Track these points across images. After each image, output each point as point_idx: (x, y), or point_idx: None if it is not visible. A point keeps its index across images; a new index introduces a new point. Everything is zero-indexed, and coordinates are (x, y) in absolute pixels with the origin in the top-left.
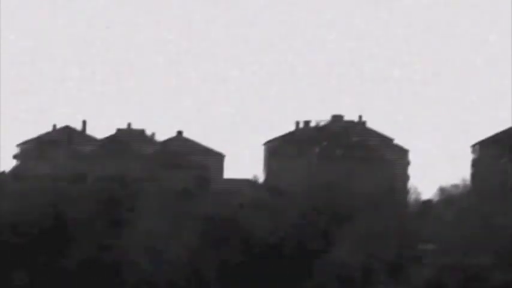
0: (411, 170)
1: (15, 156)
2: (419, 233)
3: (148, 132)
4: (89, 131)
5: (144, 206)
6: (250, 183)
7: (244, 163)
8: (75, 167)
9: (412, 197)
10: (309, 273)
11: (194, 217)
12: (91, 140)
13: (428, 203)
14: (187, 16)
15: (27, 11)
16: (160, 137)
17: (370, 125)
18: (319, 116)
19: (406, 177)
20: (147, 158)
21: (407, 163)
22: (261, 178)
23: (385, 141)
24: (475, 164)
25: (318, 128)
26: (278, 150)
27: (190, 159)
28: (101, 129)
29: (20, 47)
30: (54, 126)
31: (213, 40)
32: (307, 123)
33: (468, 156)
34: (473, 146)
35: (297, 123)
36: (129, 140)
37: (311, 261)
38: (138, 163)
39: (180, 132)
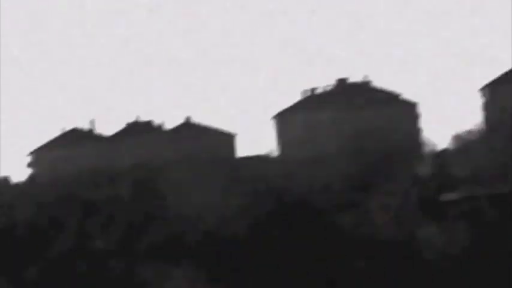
0: (422, 123)
1: (29, 165)
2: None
3: (157, 122)
4: (98, 130)
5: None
6: (265, 159)
7: (257, 139)
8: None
9: (427, 148)
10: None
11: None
12: (101, 138)
13: (444, 152)
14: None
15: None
16: (169, 125)
17: (375, 83)
18: (324, 82)
19: (418, 130)
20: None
21: (417, 116)
22: (276, 152)
23: (393, 97)
24: (486, 107)
25: (325, 94)
26: (289, 121)
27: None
28: (109, 127)
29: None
30: (63, 129)
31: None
32: (313, 90)
33: (478, 100)
34: (482, 89)
35: (303, 91)
36: (140, 132)
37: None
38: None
39: (188, 118)
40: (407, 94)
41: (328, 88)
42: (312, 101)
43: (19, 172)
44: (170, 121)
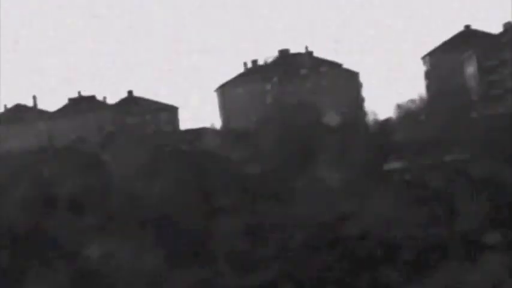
0: (364, 92)
1: None
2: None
3: (99, 97)
4: (41, 106)
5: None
6: (209, 131)
7: (200, 112)
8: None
9: (370, 117)
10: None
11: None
12: (44, 114)
13: (387, 121)
14: None
15: None
16: (112, 99)
17: (316, 54)
18: (266, 53)
19: (360, 100)
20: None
21: (360, 85)
22: (219, 124)
23: (335, 68)
24: (427, 75)
25: (267, 66)
26: (231, 93)
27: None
28: (53, 102)
29: None
30: (5, 106)
31: None
32: (255, 62)
33: (420, 69)
34: (424, 57)
35: (245, 63)
36: (82, 107)
37: (293, 181)
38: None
39: (130, 92)
40: (348, 64)
41: (270, 60)
42: (254, 73)
43: None
44: (112, 96)
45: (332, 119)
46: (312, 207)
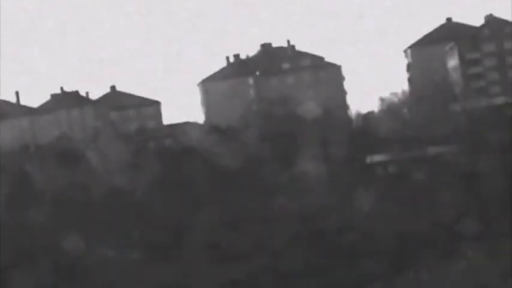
0: (347, 85)
1: None
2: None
3: (82, 93)
4: (24, 102)
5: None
6: (192, 126)
7: (183, 106)
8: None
9: (353, 111)
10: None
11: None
12: (27, 110)
13: (370, 114)
14: None
15: None
16: (94, 95)
17: (299, 47)
18: (248, 47)
19: (343, 93)
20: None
21: (342, 79)
22: (202, 119)
23: (317, 61)
24: (409, 68)
25: (249, 60)
26: (214, 88)
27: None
28: (35, 98)
29: None
30: None
31: None
32: (237, 56)
33: (402, 62)
34: (405, 50)
35: (227, 58)
36: (65, 102)
37: (276, 174)
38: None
39: (113, 87)
40: (331, 58)
41: (252, 54)
42: (237, 67)
43: None
44: (95, 91)
45: (309, 111)
46: (295, 200)
